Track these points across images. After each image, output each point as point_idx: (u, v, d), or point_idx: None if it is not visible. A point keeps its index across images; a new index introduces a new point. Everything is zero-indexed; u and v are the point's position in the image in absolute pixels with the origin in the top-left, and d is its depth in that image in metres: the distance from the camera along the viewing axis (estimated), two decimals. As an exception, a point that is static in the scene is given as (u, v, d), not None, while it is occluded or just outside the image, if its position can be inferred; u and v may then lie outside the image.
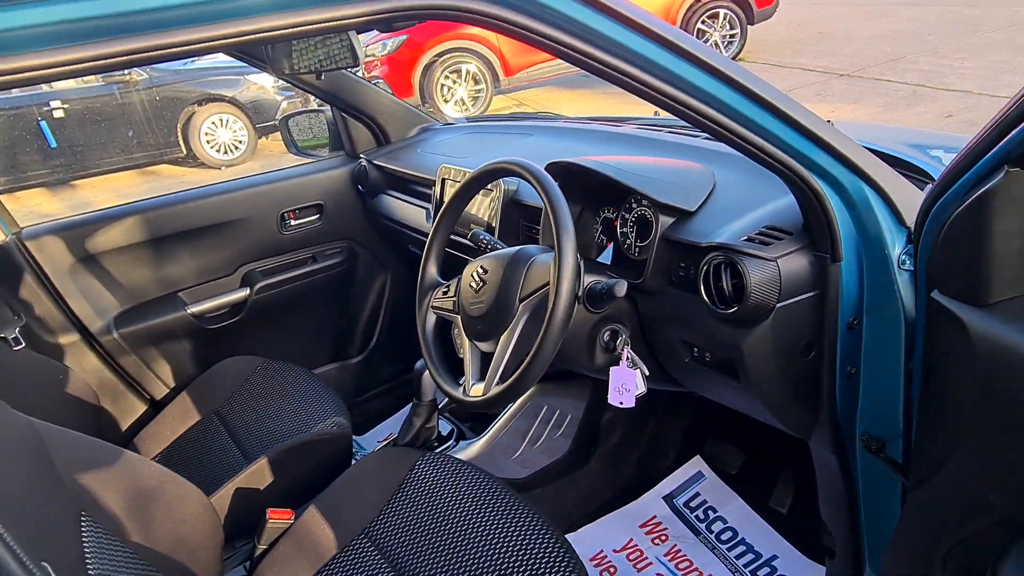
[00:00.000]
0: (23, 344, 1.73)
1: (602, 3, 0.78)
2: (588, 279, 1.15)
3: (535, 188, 1.12)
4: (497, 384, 1.12)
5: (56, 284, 1.80)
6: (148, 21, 0.60)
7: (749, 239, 1.07)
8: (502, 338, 1.14)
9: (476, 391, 1.17)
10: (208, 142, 7.75)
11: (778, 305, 1.05)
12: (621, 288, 1.09)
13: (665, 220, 1.22)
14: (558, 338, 1.04)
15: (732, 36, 7.88)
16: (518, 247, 1.22)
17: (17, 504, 0.63)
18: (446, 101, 7.45)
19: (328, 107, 2.18)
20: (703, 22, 7.74)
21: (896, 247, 1.00)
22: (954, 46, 7.03)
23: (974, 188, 0.76)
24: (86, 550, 0.94)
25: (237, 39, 0.65)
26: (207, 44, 0.64)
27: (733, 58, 7.90)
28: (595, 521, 1.84)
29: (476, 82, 7.55)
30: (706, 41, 7.82)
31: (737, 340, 1.09)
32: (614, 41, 0.81)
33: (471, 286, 1.22)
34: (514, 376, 1.08)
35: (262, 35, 0.66)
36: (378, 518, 1.32)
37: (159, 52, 0.61)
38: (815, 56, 7.72)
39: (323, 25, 0.69)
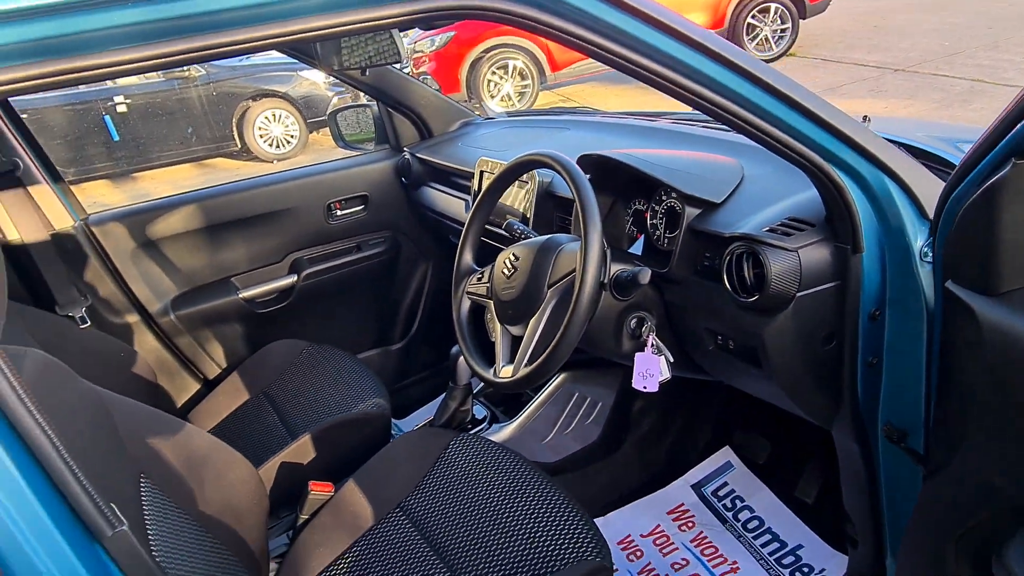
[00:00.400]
0: (89, 323, 1.86)
1: (627, 3, 0.82)
2: (615, 268, 1.19)
3: (564, 179, 1.17)
4: (526, 366, 1.18)
5: (119, 267, 1.92)
6: (209, 22, 0.67)
7: (771, 230, 1.10)
8: (531, 322, 1.20)
9: (506, 372, 1.23)
10: (261, 136, 7.96)
11: (798, 294, 1.08)
12: (645, 276, 1.13)
13: (691, 211, 1.25)
14: (583, 322, 1.09)
15: (783, 31, 7.75)
16: (548, 235, 1.27)
17: (84, 459, 0.71)
18: (492, 96, 7.51)
19: (375, 102, 2.26)
20: (753, 16, 7.63)
21: (918, 239, 1.01)
22: (1016, 40, 6.79)
23: (984, 180, 0.78)
24: (145, 510, 1.02)
25: (288, 38, 0.71)
26: (261, 43, 0.70)
27: (784, 53, 7.80)
28: (623, 506, 1.88)
29: (522, 78, 7.59)
30: (756, 36, 7.72)
31: (759, 328, 1.12)
32: (640, 40, 0.85)
33: (503, 272, 1.28)
34: (541, 358, 1.14)
35: (311, 34, 0.73)
36: (413, 493, 1.39)
37: (218, 50, 0.68)
38: (869, 50, 7.54)
39: (366, 24, 0.75)
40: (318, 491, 1.44)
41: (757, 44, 7.75)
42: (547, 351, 1.13)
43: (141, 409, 1.20)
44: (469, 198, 1.95)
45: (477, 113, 2.37)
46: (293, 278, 2.16)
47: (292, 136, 8.06)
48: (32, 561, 0.65)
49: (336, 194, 2.17)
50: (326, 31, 0.73)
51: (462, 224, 1.98)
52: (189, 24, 0.66)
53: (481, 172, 1.84)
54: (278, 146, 8.01)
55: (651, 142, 1.70)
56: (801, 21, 7.76)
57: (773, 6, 7.59)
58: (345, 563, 1.31)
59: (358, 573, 1.29)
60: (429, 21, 0.86)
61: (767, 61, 7.63)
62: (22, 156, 1.77)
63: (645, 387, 1.23)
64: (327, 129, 2.68)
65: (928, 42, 7.34)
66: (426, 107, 2.24)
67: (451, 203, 2.07)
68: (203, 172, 7.98)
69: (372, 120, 2.32)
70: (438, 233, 2.29)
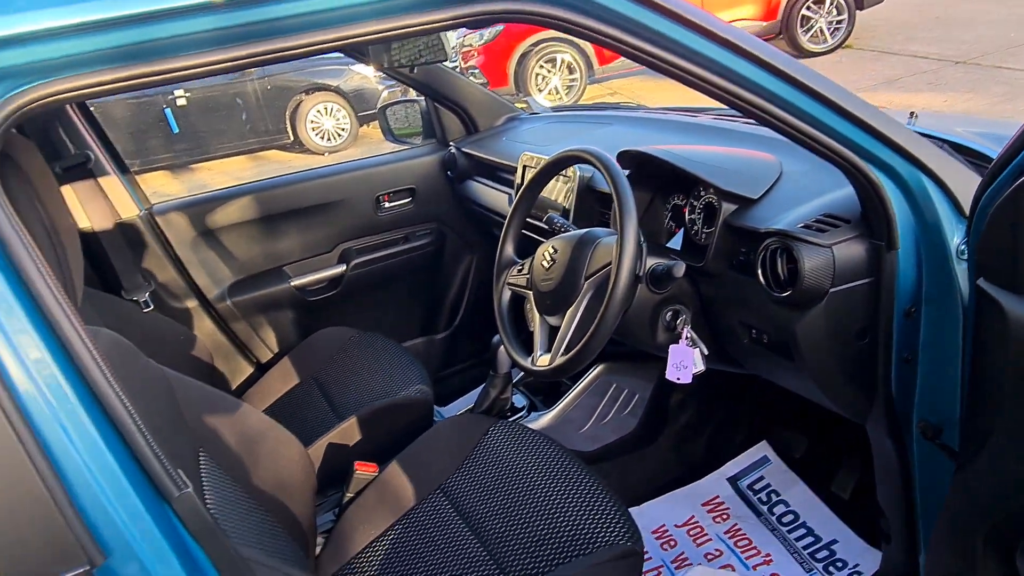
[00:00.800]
0: (152, 307, 1.97)
1: (659, 4, 0.85)
2: (651, 261, 1.22)
3: (602, 174, 1.21)
4: (562, 355, 1.22)
5: (180, 255, 2.02)
6: (274, 28, 0.73)
7: (806, 226, 1.12)
8: (568, 313, 1.24)
9: (543, 361, 1.27)
10: (313, 129, 8.10)
11: (832, 290, 1.09)
12: (679, 269, 1.16)
13: (728, 207, 1.27)
14: (618, 313, 1.13)
15: (839, 22, 7.57)
16: (586, 229, 1.31)
17: (150, 430, 0.78)
18: (540, 90, 7.52)
19: (422, 97, 2.32)
20: (808, 8, 7.47)
21: (955, 237, 1.01)
22: (1090, 31, 6.50)
23: (1014, 180, 0.79)
24: (204, 482, 1.09)
25: (345, 41, 0.77)
26: (320, 46, 0.76)
27: (839, 45, 7.61)
28: (659, 497, 1.91)
29: (570, 71, 7.59)
30: (811, 28, 7.55)
31: (792, 323, 1.14)
32: (673, 40, 0.87)
33: (542, 264, 1.32)
34: (577, 348, 1.18)
35: (365, 38, 0.78)
36: (453, 476, 1.44)
37: (282, 53, 0.75)
38: (929, 42, 7.30)
39: (416, 28, 0.80)
40: (363, 471, 1.51)
41: (812, 36, 7.59)
42: (582, 341, 1.17)
43: (200, 388, 1.27)
44: (512, 192, 2.00)
45: (521, 107, 2.41)
46: (342, 268, 2.23)
47: (343, 129, 8.18)
48: (111, 516, 0.73)
49: (385, 187, 2.24)
50: (380, 35, 0.78)
51: (505, 217, 2.03)
52: (256, 30, 0.72)
53: (524, 167, 1.88)
54: (330, 139, 8.15)
55: (692, 137, 1.71)
56: (858, 12, 7.56)
57: (828, -3, 7.43)
58: (387, 540, 1.37)
59: (399, 550, 1.35)
60: (474, 24, 0.90)
61: (822, 53, 7.51)
62: (93, 149, 1.88)
63: (679, 378, 1.26)
64: (377, 122, 2.75)
65: (994, 34, 7.06)
66: (472, 102, 2.29)
67: (496, 197, 2.11)
68: (257, 164, 8.17)
69: (420, 115, 2.38)
70: (483, 226, 2.34)
